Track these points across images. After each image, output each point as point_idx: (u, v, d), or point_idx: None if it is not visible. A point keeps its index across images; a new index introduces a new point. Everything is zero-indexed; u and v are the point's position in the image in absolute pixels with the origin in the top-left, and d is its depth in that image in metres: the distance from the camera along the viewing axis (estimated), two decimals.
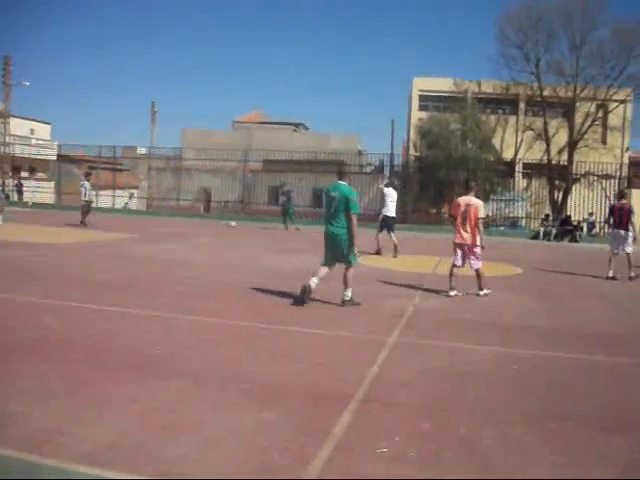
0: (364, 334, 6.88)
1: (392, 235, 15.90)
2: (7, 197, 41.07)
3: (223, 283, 10.30)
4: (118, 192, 42.70)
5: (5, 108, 49.94)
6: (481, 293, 9.94)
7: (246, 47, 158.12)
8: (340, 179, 8.79)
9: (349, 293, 8.63)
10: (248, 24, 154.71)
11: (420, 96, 47.70)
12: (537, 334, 7.35)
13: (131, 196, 46.86)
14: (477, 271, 10.00)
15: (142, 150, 50.57)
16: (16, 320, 6.77)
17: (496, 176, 36.97)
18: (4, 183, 43.78)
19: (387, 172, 38.42)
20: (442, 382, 5.20)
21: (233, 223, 27.57)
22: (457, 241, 10.05)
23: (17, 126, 55.48)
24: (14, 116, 54.45)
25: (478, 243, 9.95)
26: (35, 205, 37.29)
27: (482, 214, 10.05)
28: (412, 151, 41.43)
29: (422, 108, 46.42)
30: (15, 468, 3.31)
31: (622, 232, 13.50)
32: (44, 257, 12.73)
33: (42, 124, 66.01)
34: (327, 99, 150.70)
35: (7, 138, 48.61)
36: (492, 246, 11.42)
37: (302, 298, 8.41)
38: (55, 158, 46.51)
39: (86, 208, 22.75)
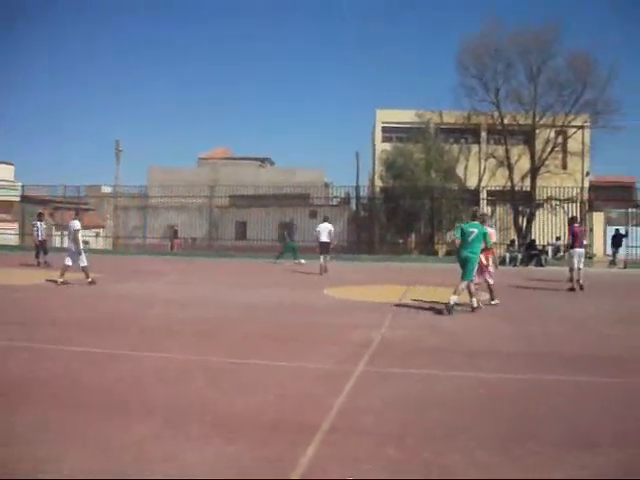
0: (330, 365, 6.89)
1: (326, 257, 21.27)
2: None
3: (189, 319, 10.23)
4: (84, 232, 42.23)
5: None
6: (493, 302, 12.44)
7: (209, 83, 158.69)
8: (474, 219, 11.98)
9: (455, 298, 11.15)
10: (210, 59, 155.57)
11: (383, 128, 48.20)
12: (502, 358, 7.45)
13: (97, 235, 46.39)
14: (490, 285, 12.59)
15: (107, 189, 50.21)
16: None
17: (461, 204, 37.37)
18: None
19: (353, 204, 38.74)
20: (408, 409, 5.23)
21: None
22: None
23: None
24: None
25: (492, 263, 12.90)
26: None
27: (494, 239, 12.87)
28: (378, 182, 41.78)
29: (386, 140, 46.88)
30: None
31: (581, 250, 16.27)
32: (6, 300, 12.55)
33: (5, 165, 65.24)
34: (292, 134, 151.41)
35: None
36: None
37: (449, 311, 11.00)
38: (19, 199, 45.95)
39: (41, 248, 22.64)
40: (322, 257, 21.10)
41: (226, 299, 13.14)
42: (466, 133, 44.68)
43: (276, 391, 5.69)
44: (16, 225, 43.19)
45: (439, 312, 11.10)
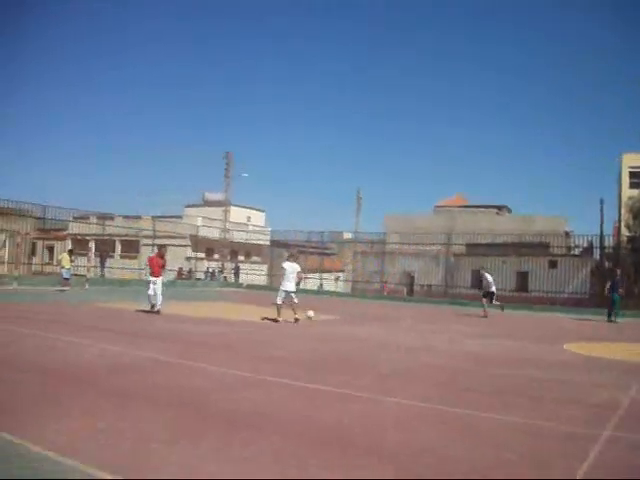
0: (571, 426, 6.47)
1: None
2: (225, 278, 44.62)
3: (423, 365, 10.32)
4: (325, 275, 44.47)
5: (226, 198, 54.65)
6: None
7: (445, 133, 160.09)
8: None
9: None
10: (447, 107, 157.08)
11: (631, 173, 45.11)
12: None
13: (337, 279, 48.59)
14: None
15: (348, 235, 52.56)
16: (224, 393, 7.29)
17: None
18: (223, 265, 47.53)
19: (597, 254, 36.50)
20: None
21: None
22: None
23: (236, 214, 60.51)
24: (234, 205, 59.58)
25: None
26: (249, 286, 39.95)
27: None
28: (624, 231, 39.00)
29: (633, 186, 43.76)
30: None
31: None
32: (245, 333, 13.68)
33: (257, 212, 71.23)
34: (530, 181, 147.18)
35: (227, 225, 52.97)
36: None
37: None
38: (268, 243, 49.76)
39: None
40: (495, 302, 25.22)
41: (458, 348, 13.01)
42: None
43: (514, 449, 5.48)
44: (265, 267, 46.71)
45: None
